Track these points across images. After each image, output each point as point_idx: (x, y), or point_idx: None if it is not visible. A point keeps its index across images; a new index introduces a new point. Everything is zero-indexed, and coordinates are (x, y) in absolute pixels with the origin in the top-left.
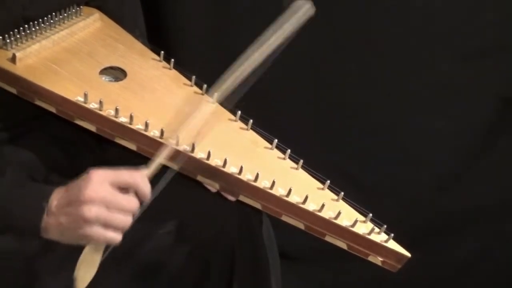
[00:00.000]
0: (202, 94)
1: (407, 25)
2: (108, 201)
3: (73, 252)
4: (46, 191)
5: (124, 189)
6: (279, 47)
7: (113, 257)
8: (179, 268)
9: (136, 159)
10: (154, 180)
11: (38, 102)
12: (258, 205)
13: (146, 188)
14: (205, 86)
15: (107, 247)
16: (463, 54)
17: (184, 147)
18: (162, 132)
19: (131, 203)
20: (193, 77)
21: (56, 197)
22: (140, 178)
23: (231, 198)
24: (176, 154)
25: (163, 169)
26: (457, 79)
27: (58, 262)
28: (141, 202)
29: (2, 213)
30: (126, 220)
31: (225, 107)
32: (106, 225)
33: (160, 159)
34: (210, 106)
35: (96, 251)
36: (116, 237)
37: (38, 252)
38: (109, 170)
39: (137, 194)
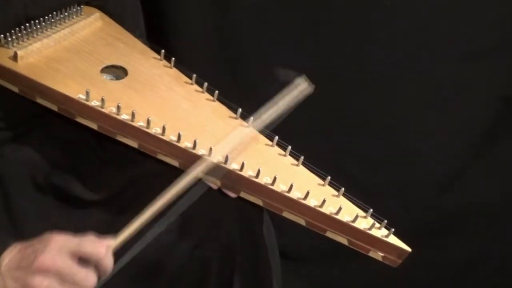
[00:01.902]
0: (203, 92)
1: (407, 25)
2: (64, 274)
3: None
4: (4, 247)
5: (83, 259)
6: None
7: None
8: (179, 268)
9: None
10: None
11: (40, 100)
12: (259, 202)
13: (108, 263)
14: (205, 84)
15: None
16: (463, 54)
17: (185, 144)
18: (163, 129)
19: (88, 279)
20: (194, 75)
21: (9, 255)
22: (104, 252)
23: (232, 194)
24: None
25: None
26: (457, 79)
27: None
28: (99, 277)
29: None
30: None
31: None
32: None
33: (133, 227)
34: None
35: None
36: None
37: None
38: (71, 238)
39: (97, 268)
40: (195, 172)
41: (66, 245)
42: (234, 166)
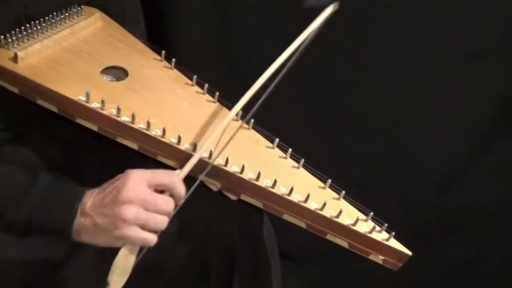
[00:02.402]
0: (203, 94)
1: (407, 25)
2: (146, 201)
3: (100, 258)
4: (78, 192)
5: (159, 190)
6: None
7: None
8: (179, 268)
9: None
10: None
11: (40, 102)
12: (259, 204)
13: (182, 189)
14: (206, 85)
15: (140, 249)
16: (463, 54)
17: (186, 146)
18: (164, 131)
19: (168, 204)
20: (195, 76)
21: (90, 198)
22: (177, 179)
23: (233, 197)
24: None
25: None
26: (457, 79)
27: (83, 270)
28: (176, 203)
29: (34, 214)
30: (163, 221)
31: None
32: (144, 226)
33: (192, 163)
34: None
35: (130, 254)
36: (152, 238)
37: (63, 259)
38: (146, 171)
39: (172, 195)
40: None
41: (143, 177)
42: (234, 168)
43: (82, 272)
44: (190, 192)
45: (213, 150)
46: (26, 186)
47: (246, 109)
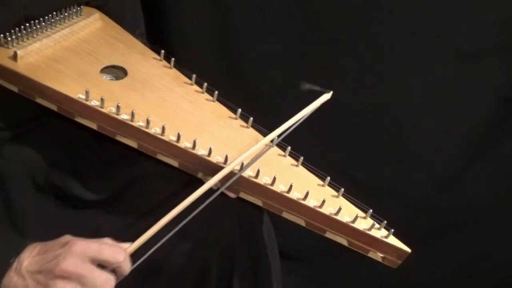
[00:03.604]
0: (203, 93)
1: (407, 25)
2: (85, 279)
3: None
4: (18, 246)
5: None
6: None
7: None
8: (179, 268)
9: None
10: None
11: (39, 100)
12: (259, 202)
13: (126, 268)
14: (205, 84)
15: None
16: (463, 54)
17: (185, 144)
18: (163, 129)
19: (108, 283)
20: (194, 75)
21: (28, 257)
22: (122, 258)
23: (232, 195)
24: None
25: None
26: (457, 79)
27: None
28: (117, 279)
29: None
30: None
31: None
32: None
33: (144, 237)
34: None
35: None
36: None
37: None
38: (91, 243)
39: (115, 272)
40: (213, 181)
41: (86, 251)
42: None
43: None
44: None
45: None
46: None
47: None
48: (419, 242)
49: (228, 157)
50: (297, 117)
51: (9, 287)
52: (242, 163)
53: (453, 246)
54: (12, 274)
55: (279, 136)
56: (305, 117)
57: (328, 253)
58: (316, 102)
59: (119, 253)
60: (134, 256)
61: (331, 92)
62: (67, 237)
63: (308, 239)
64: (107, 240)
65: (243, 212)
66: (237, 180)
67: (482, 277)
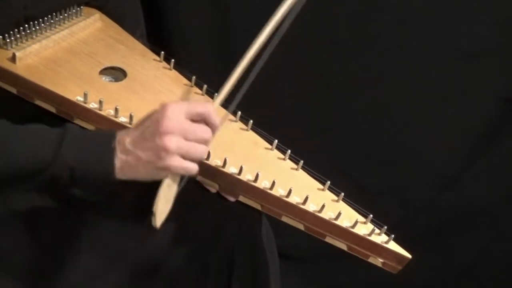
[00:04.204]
0: (202, 95)
1: (407, 25)
2: (186, 131)
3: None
4: (110, 132)
5: (195, 120)
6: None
7: (114, 256)
8: (178, 269)
9: None
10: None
11: (38, 102)
12: (258, 206)
13: (216, 118)
14: (205, 86)
15: (181, 179)
16: (463, 54)
17: None
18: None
19: (207, 132)
20: (193, 77)
21: (127, 135)
22: (211, 107)
23: (231, 198)
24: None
25: None
26: (457, 79)
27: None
28: (213, 131)
29: (74, 160)
30: (203, 150)
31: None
32: (185, 155)
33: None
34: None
35: (173, 183)
36: (194, 167)
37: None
38: (182, 102)
39: (208, 124)
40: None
41: (180, 108)
42: (232, 170)
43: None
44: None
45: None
46: (58, 135)
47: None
48: (419, 243)
49: (227, 160)
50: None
51: (123, 168)
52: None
53: (453, 246)
54: (121, 155)
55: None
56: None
57: (328, 253)
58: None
59: (207, 104)
60: None
61: None
62: (156, 108)
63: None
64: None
65: (242, 213)
66: (236, 184)
67: (482, 277)
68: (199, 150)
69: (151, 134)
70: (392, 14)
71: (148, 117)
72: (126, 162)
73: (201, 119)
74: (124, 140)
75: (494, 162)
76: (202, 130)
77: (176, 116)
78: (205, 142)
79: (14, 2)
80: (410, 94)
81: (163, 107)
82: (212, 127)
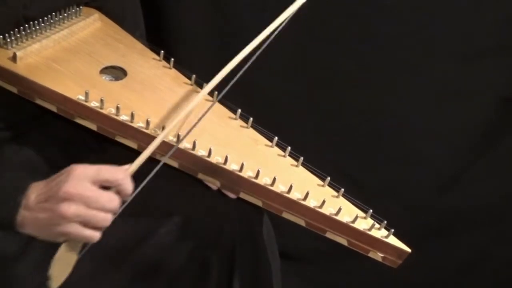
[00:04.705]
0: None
1: (407, 25)
2: (88, 198)
3: (51, 251)
4: (23, 184)
5: (105, 186)
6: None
7: (114, 256)
8: (179, 268)
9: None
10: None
11: (39, 101)
12: (259, 202)
13: (128, 186)
14: (205, 85)
15: (84, 245)
16: (463, 54)
17: (185, 145)
18: (163, 130)
19: (112, 201)
20: (193, 76)
21: (35, 191)
22: (122, 175)
23: (232, 195)
24: (166, 148)
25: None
26: (457, 79)
27: (35, 262)
28: (122, 200)
29: None
30: (106, 219)
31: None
32: (85, 223)
33: (145, 154)
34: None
35: (72, 249)
36: (94, 235)
37: (17, 252)
38: (90, 166)
39: (119, 192)
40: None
41: (86, 173)
42: (233, 167)
43: (32, 265)
44: (151, 175)
45: (180, 134)
46: None
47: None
48: (419, 242)
49: (228, 157)
50: (277, 23)
51: (23, 223)
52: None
53: (453, 246)
54: (23, 211)
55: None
56: (285, 22)
57: (328, 253)
58: (292, 6)
59: (118, 171)
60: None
61: None
62: (67, 168)
63: (308, 240)
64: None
65: (243, 212)
66: (237, 181)
67: (482, 277)
68: (101, 219)
69: (52, 196)
70: (392, 14)
71: (58, 175)
72: (26, 218)
73: (112, 186)
74: (30, 196)
75: (494, 162)
76: (107, 199)
77: (80, 182)
78: (110, 211)
79: (13, 2)
80: (410, 94)
81: (69, 170)
82: (122, 195)
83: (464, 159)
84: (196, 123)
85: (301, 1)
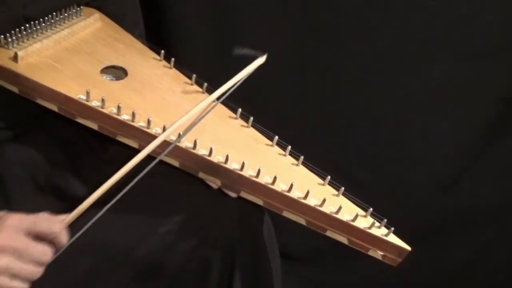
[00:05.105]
0: (203, 93)
1: (407, 25)
2: (20, 251)
3: None
4: None
5: (39, 237)
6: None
7: (113, 256)
8: (179, 268)
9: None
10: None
11: (40, 101)
12: (259, 201)
13: (63, 238)
14: (205, 84)
15: None
16: (463, 54)
17: (186, 144)
18: (164, 129)
19: (45, 254)
20: (194, 75)
21: None
22: (58, 229)
23: (233, 194)
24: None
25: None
26: (458, 79)
27: None
28: (55, 251)
29: None
30: (37, 272)
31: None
32: (15, 275)
33: (83, 206)
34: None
35: None
36: (23, 287)
37: None
38: (25, 217)
39: (53, 243)
40: (150, 147)
41: (20, 223)
42: (234, 166)
43: None
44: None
45: (181, 133)
46: None
47: None
48: (419, 242)
49: (229, 156)
50: (232, 82)
51: None
52: (179, 133)
53: (453, 245)
54: None
55: (218, 98)
56: (240, 82)
57: (328, 253)
58: (250, 66)
59: (55, 223)
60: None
61: (265, 56)
62: (0, 213)
63: (308, 239)
64: (44, 214)
65: (244, 212)
66: (238, 180)
67: (482, 277)
68: (31, 272)
69: None
70: (392, 14)
71: None
72: None
73: (46, 238)
74: None
75: (494, 162)
76: (39, 252)
77: (13, 234)
78: (41, 264)
79: (13, 2)
80: (410, 93)
81: (2, 219)
82: (57, 246)
83: (464, 159)
84: (195, 124)
85: None
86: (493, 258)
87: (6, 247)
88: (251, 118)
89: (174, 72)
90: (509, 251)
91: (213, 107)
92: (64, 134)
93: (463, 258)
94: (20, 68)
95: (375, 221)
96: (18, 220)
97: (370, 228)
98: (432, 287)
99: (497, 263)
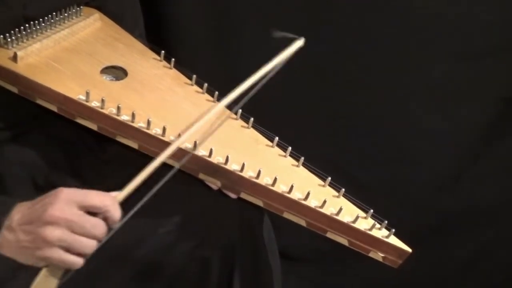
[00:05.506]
0: (203, 93)
1: (407, 25)
2: (73, 223)
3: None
4: (6, 205)
5: (91, 212)
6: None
7: (113, 256)
8: (179, 268)
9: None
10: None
11: (39, 101)
12: (260, 202)
13: (115, 213)
14: (205, 85)
15: (66, 270)
16: (463, 54)
17: (186, 145)
18: (164, 130)
19: (98, 228)
20: (194, 76)
21: (19, 212)
22: (111, 202)
23: (233, 195)
24: (180, 154)
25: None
26: (458, 79)
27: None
28: (109, 227)
29: None
30: (90, 245)
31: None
32: (68, 248)
33: (138, 180)
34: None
35: (53, 275)
36: (77, 261)
37: (6, 277)
38: (78, 190)
39: (106, 219)
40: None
41: (73, 197)
42: (234, 167)
43: None
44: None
45: (197, 141)
46: None
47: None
48: (419, 242)
49: (229, 157)
50: (269, 67)
51: (3, 245)
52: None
53: (453, 246)
54: (5, 232)
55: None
56: (279, 67)
57: (328, 253)
58: (290, 49)
59: (107, 197)
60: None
61: (303, 39)
62: (55, 189)
63: (308, 240)
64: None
65: (243, 212)
66: (238, 181)
67: (482, 277)
68: (85, 245)
69: (36, 219)
70: (392, 14)
71: (44, 197)
72: (6, 240)
73: (98, 212)
74: (13, 216)
75: (494, 162)
76: (93, 225)
77: (66, 206)
78: (95, 237)
79: (13, 2)
80: (410, 94)
81: (56, 193)
82: (109, 222)
83: (464, 159)
84: (210, 133)
85: None
86: (493, 258)
87: (58, 219)
88: (252, 118)
89: (174, 72)
90: (509, 251)
91: (250, 95)
92: (64, 134)
93: (463, 258)
94: (20, 68)
95: (376, 222)
96: (71, 193)
97: (370, 229)
98: (433, 287)
99: (497, 263)
